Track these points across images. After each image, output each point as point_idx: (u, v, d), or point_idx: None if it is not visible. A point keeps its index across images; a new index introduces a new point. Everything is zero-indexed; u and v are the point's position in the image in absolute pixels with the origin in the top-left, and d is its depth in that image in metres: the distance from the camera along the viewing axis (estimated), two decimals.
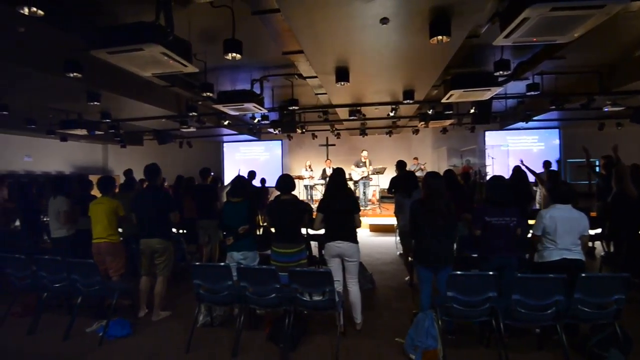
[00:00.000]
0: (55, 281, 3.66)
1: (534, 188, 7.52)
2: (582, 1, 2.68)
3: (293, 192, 3.65)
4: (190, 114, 7.22)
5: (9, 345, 3.39)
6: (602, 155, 5.92)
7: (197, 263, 3.40)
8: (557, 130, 12.28)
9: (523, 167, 6.26)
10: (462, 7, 3.39)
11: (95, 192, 5.39)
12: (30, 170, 10.32)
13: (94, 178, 6.45)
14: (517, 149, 12.29)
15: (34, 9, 2.93)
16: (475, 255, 4.28)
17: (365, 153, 10.18)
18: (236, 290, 3.17)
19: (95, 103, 5.99)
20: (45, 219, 6.90)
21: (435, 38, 3.60)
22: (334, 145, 12.75)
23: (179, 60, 3.53)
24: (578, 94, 7.12)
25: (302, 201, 3.86)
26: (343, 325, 3.27)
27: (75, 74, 4.38)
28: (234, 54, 3.85)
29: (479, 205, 3.29)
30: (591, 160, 6.22)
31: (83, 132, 7.96)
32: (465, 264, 3.87)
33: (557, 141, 12.35)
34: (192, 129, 8.90)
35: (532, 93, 6.36)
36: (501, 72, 5.02)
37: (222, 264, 3.31)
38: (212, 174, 5.97)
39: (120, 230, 4.36)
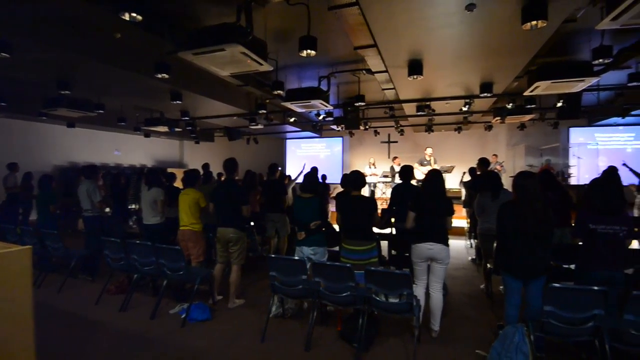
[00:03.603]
0: (145, 264, 4.01)
1: (634, 193, 6.56)
2: None
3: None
4: (260, 112, 7.48)
5: (104, 319, 3.78)
6: None
7: (272, 255, 3.47)
8: None
9: (626, 169, 5.51)
10: None
11: (176, 183, 5.86)
12: (119, 163, 11.53)
13: (173, 171, 7.03)
14: (607, 148, 10.87)
15: (134, 14, 3.20)
16: (567, 266, 3.85)
17: (429, 150, 9.71)
18: (310, 285, 3.18)
19: (177, 102, 6.46)
20: (132, 207, 7.67)
21: (529, 23, 3.26)
22: (396, 142, 12.43)
23: (256, 60, 3.64)
24: None
25: (372, 198, 3.77)
26: (418, 329, 3.12)
27: (163, 75, 4.75)
28: (309, 51, 3.87)
29: (582, 211, 2.90)
30: None
31: (164, 129, 8.67)
32: (557, 276, 3.46)
33: None
34: (259, 126, 9.24)
35: (636, 84, 5.54)
36: (601, 60, 4.42)
37: (297, 257, 3.35)
38: (280, 169, 6.12)
39: None
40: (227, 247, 4.03)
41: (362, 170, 3.84)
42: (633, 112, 8.19)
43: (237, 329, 3.53)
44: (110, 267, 4.36)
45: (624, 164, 5.77)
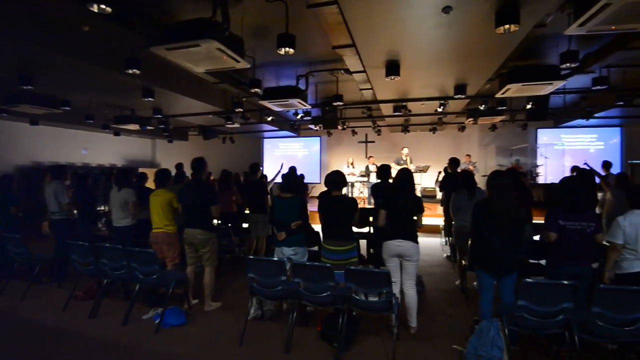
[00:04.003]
0: (115, 268, 3.83)
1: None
2: None
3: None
4: (236, 110, 7.34)
5: (72, 327, 3.58)
6: None
7: (251, 256, 3.41)
8: (618, 128, 11.26)
9: (587, 169, 5.79)
10: None
11: (148, 184, 5.65)
12: (86, 162, 11.00)
13: (144, 171, 6.78)
14: (572, 149, 11.43)
15: (103, 5, 3.04)
16: (535, 261, 4.01)
17: (406, 150, 9.90)
18: (290, 286, 3.14)
19: (149, 99, 6.23)
20: (101, 209, 7.33)
21: (502, 27, 3.36)
22: (373, 142, 12.55)
23: (233, 56, 3.56)
24: None
25: (353, 198, 3.78)
26: (397, 327, 3.15)
27: (134, 70, 4.55)
28: (288, 49, 3.82)
29: (553, 208, 3.02)
30: None
31: (135, 127, 8.34)
32: (527, 272, 3.59)
33: (617, 140, 11.32)
34: (236, 125, 9.07)
35: (599, 87, 5.83)
36: (568, 64, 4.63)
37: (276, 258, 3.30)
38: (261, 168, 6.04)
39: None
40: (196, 249, 3.92)
41: (340, 170, 3.84)
42: (596, 115, 8.64)
43: (214, 333, 3.44)
44: (78, 272, 4.14)
45: (585, 164, 6.06)
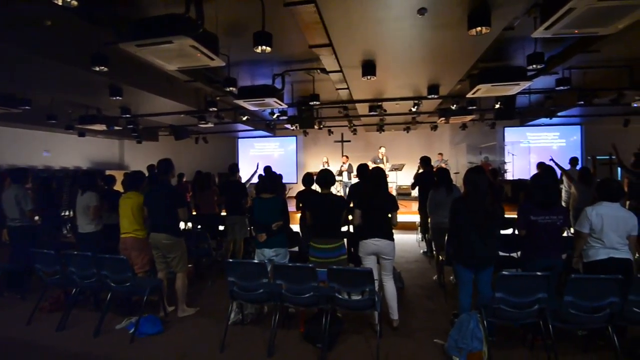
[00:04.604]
0: (84, 277, 3.63)
1: (560, 186, 7.32)
2: None
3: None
4: (210, 110, 7.16)
5: (39, 341, 3.36)
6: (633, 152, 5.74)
7: (230, 260, 3.32)
8: (578, 126, 11.96)
9: (552, 164, 6.09)
10: None
11: (117, 187, 5.40)
12: (48, 165, 10.39)
13: (110, 173, 6.48)
14: (537, 146, 12.01)
15: None
16: (508, 255, 4.18)
17: (383, 150, 10.06)
18: (271, 288, 3.09)
19: (117, 98, 5.96)
20: (65, 214, 6.94)
21: (474, 29, 3.47)
22: (349, 141, 12.63)
23: (207, 54, 3.46)
24: (608, 88, 6.87)
25: (342, 197, 3.81)
26: (380, 324, 3.18)
27: (101, 67, 4.33)
28: (264, 47, 3.76)
29: (524, 204, 3.15)
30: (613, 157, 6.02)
31: (102, 127, 7.96)
32: (502, 265, 3.73)
33: (577, 138, 12.02)
34: (209, 125, 8.86)
35: (562, 88, 6.15)
36: (534, 66, 4.84)
37: (257, 261, 3.24)
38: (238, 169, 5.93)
39: None
40: (164, 254, 3.78)
41: (314, 170, 3.85)
42: (559, 114, 9.13)
43: (193, 340, 3.33)
44: (44, 283, 3.89)
45: (551, 159, 6.38)
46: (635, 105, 7.19)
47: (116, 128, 8.73)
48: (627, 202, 5.78)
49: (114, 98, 6.04)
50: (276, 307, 3.18)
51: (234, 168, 5.56)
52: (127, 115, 7.97)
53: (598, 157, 9.69)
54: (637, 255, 3.65)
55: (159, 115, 8.56)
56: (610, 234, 2.91)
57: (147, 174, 5.69)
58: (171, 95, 6.89)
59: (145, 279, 3.89)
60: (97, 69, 4.36)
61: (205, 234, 4.90)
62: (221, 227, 5.70)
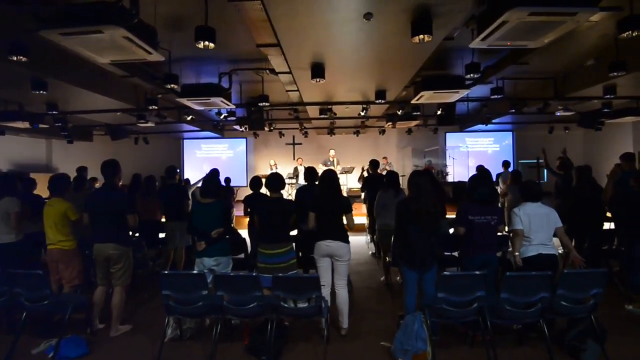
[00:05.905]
0: None
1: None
2: (557, 7, 2.77)
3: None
4: (150, 108, 6.69)
5: None
6: (557, 156, 6.35)
7: (165, 271, 3.07)
8: (510, 132, 13.03)
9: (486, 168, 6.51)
10: (445, 8, 3.40)
11: (38, 191, 4.81)
12: None
13: (36, 176, 5.79)
14: (474, 150, 12.88)
15: None
16: (450, 253, 4.36)
17: (332, 152, 10.14)
18: (212, 300, 2.90)
19: (41, 92, 5.33)
20: None
21: (417, 37, 3.57)
22: (300, 144, 12.59)
23: (143, 47, 3.18)
24: (536, 98, 7.53)
25: (289, 200, 3.70)
26: (327, 330, 3.12)
27: (20, 57, 3.84)
28: (207, 43, 3.54)
29: (463, 204, 3.30)
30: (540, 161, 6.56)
31: (25, 124, 7.08)
32: (444, 264, 3.88)
33: (510, 142, 13.09)
34: (150, 124, 8.29)
35: (497, 96, 6.63)
36: (471, 75, 5.13)
37: (196, 272, 3.02)
38: (178, 171, 5.56)
39: None
40: (109, 266, 3.43)
41: (264, 173, 3.73)
42: (493, 120, 9.87)
43: None
44: None
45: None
46: (558, 114, 7.99)
47: (42, 126, 7.82)
48: (555, 202, 6.36)
49: (38, 92, 5.40)
50: (217, 320, 2.98)
51: (172, 170, 5.20)
52: (54, 112, 7.18)
53: (526, 161, 10.64)
54: (560, 250, 4.01)
55: (91, 113, 7.84)
56: (538, 232, 3.13)
57: (73, 178, 5.15)
58: (105, 91, 6.31)
59: (70, 295, 3.47)
60: (15, 58, 3.86)
61: (141, 243, 4.52)
62: (162, 235, 5.31)
